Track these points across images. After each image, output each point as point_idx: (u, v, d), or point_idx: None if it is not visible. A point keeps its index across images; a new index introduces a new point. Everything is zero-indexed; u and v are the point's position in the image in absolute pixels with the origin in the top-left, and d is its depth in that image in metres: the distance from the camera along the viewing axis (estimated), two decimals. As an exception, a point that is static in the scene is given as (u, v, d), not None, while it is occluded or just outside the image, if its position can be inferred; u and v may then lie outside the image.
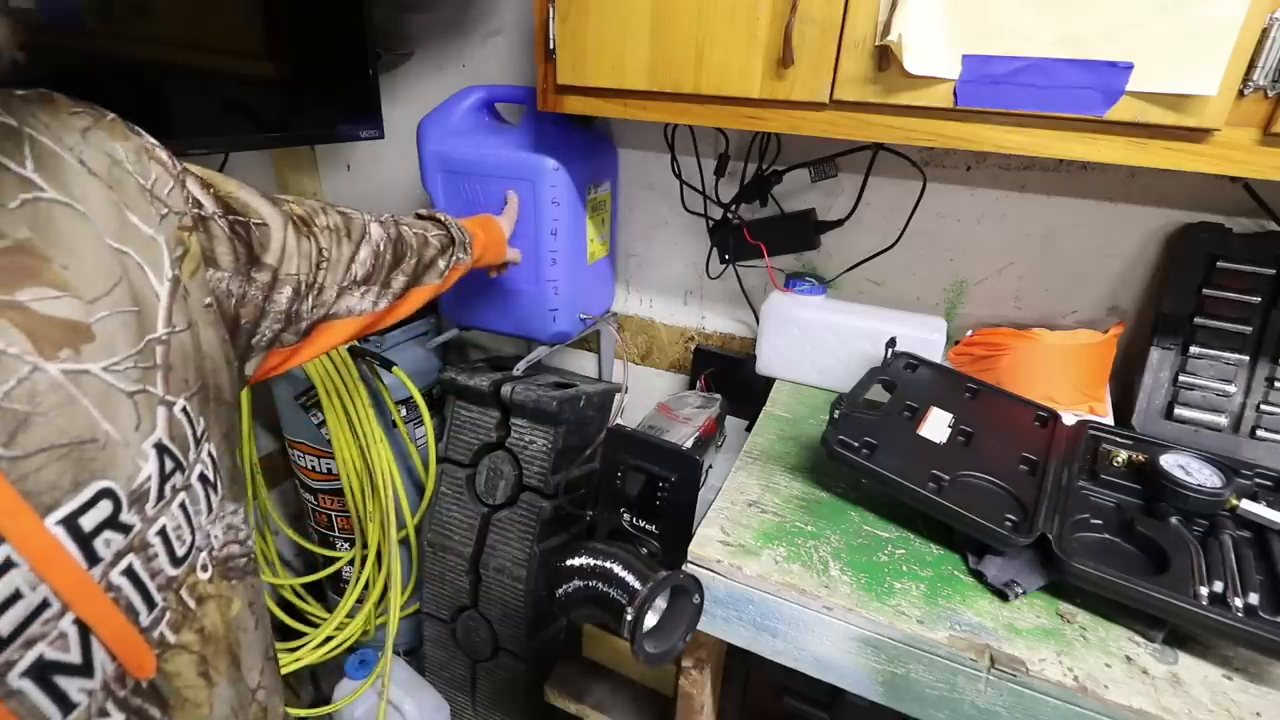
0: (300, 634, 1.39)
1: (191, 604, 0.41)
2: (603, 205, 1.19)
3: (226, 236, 0.49)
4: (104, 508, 0.35)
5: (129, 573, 0.37)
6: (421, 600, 1.34)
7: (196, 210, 0.46)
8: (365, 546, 1.31)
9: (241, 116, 1.04)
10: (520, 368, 1.21)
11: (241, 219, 0.51)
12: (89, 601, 0.34)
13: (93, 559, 0.35)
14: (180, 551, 0.40)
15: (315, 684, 1.66)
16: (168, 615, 0.40)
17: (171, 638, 0.40)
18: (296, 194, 1.55)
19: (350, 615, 1.34)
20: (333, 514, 1.41)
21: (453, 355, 1.53)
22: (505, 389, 1.17)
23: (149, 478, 0.38)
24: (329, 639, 1.33)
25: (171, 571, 0.40)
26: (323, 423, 1.25)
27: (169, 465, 0.39)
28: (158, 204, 0.43)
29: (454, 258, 0.84)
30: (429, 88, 1.35)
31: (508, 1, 1.22)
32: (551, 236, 1.08)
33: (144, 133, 0.45)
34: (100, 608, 0.35)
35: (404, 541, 1.33)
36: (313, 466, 1.37)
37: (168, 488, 0.39)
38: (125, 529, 0.36)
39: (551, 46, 0.87)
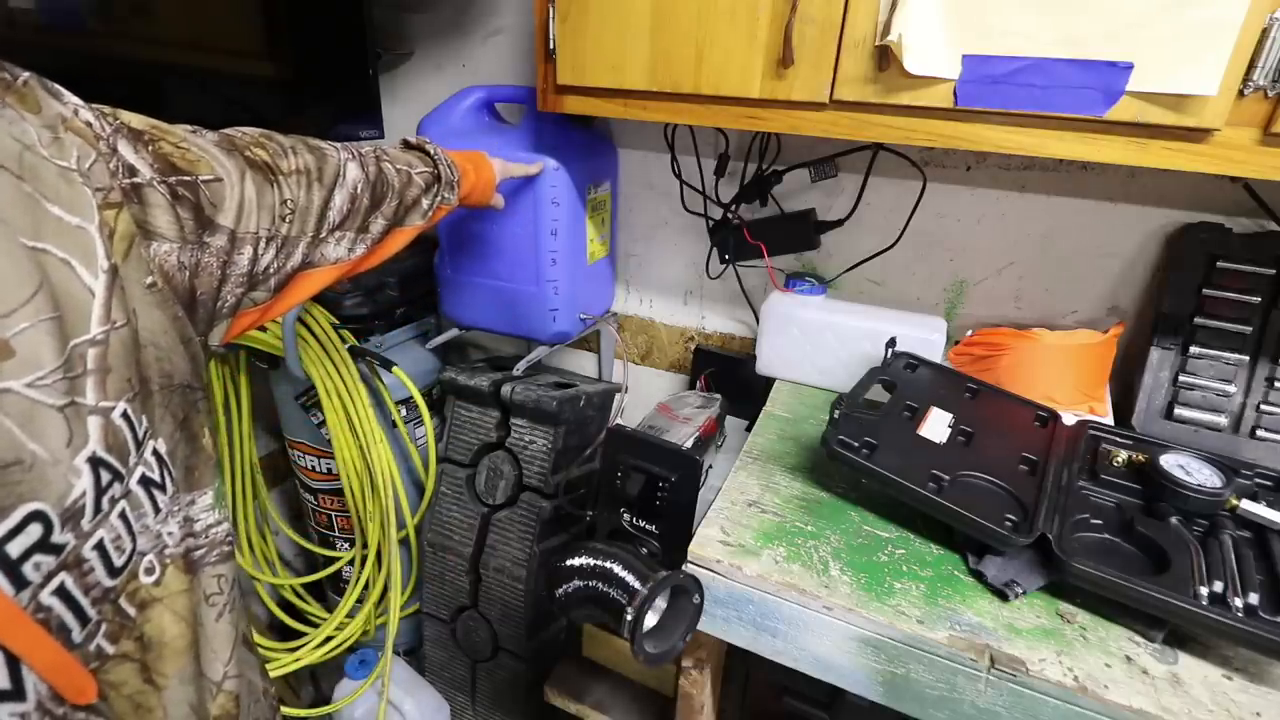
0: (300, 634, 1.39)
1: (131, 611, 0.39)
2: (603, 205, 1.19)
3: (167, 203, 0.44)
4: (33, 531, 0.33)
5: (60, 592, 0.35)
6: (421, 600, 1.34)
7: (129, 179, 0.42)
8: (365, 546, 1.31)
9: (241, 116, 1.04)
10: (520, 368, 1.21)
11: (187, 178, 0.46)
12: (15, 631, 0.33)
13: (20, 584, 0.33)
14: (119, 562, 0.38)
15: (315, 684, 1.66)
16: (104, 627, 0.38)
17: (110, 649, 0.38)
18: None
19: (350, 615, 1.33)
20: (333, 514, 1.41)
21: (453, 355, 1.53)
22: (505, 389, 1.17)
23: (83, 494, 0.35)
24: (329, 639, 1.33)
25: (108, 583, 0.38)
26: (323, 423, 1.25)
27: (106, 478, 0.37)
28: (82, 185, 0.38)
29: (439, 197, 0.78)
30: (429, 88, 1.34)
31: (508, 1, 1.22)
32: (551, 236, 1.08)
33: (64, 93, 0.40)
34: (28, 637, 0.33)
35: (404, 541, 1.33)
36: (313, 466, 1.37)
37: (105, 500, 0.37)
38: (57, 549, 0.34)
39: (551, 46, 0.87)
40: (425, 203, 0.76)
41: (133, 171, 0.43)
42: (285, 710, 1.29)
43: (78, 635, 0.36)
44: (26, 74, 0.39)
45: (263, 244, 0.53)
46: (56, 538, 0.34)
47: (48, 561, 0.34)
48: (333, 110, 1.15)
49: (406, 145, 0.80)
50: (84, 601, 0.36)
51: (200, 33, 0.96)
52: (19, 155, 0.36)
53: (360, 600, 1.34)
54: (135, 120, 0.46)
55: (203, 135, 0.51)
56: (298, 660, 1.31)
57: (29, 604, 0.34)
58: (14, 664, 0.33)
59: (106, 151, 0.41)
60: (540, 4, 0.86)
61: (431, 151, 0.79)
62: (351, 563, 1.40)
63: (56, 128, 0.39)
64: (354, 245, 0.66)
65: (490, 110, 1.16)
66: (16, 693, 0.33)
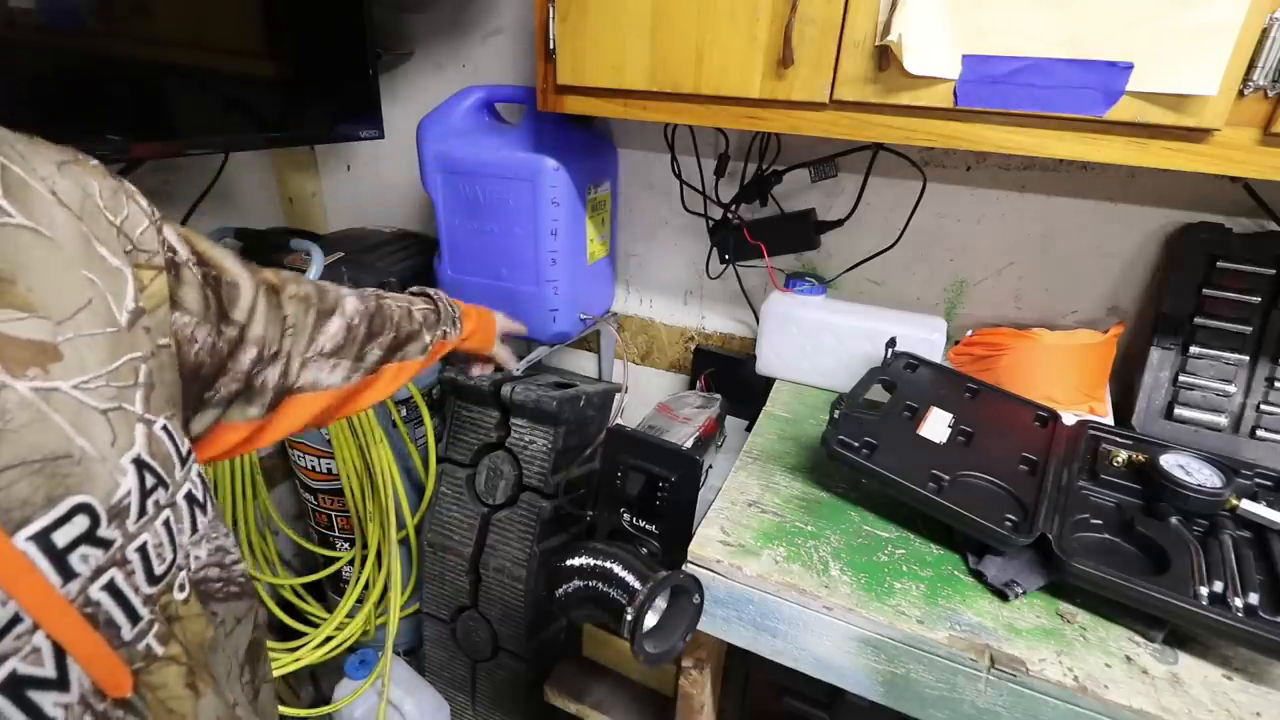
0: (300, 634, 1.39)
1: (166, 622, 0.41)
2: (603, 205, 1.19)
3: (198, 283, 0.49)
4: (80, 523, 0.35)
5: (110, 588, 0.36)
6: (421, 600, 1.34)
7: (170, 254, 0.47)
8: (365, 546, 1.31)
9: (241, 116, 1.04)
10: (520, 368, 1.21)
11: (214, 272, 0.52)
12: (58, 618, 0.34)
13: (68, 574, 0.34)
14: (159, 570, 0.40)
15: (315, 684, 1.65)
16: (155, 628, 0.39)
17: (159, 650, 0.39)
18: (296, 194, 1.55)
19: (350, 615, 1.33)
20: (333, 514, 1.41)
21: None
22: (505, 389, 1.17)
23: (129, 493, 0.38)
24: (329, 639, 1.33)
25: (147, 590, 0.39)
26: (323, 423, 1.25)
27: (150, 481, 0.39)
28: (125, 240, 0.43)
29: (441, 332, 0.81)
30: (429, 88, 1.35)
31: (508, 1, 1.22)
32: (551, 236, 1.08)
33: (127, 181, 0.46)
34: (70, 625, 0.34)
35: (404, 541, 1.33)
36: (313, 466, 1.37)
37: (149, 503, 0.39)
38: (105, 544, 0.36)
39: (551, 46, 0.87)
40: (427, 337, 0.79)
41: (174, 250, 0.48)
42: (286, 710, 1.29)
43: (128, 633, 0.37)
44: (96, 160, 0.45)
45: (266, 352, 0.57)
46: (103, 532, 0.36)
47: (96, 554, 0.35)
48: (333, 110, 1.15)
49: (411, 292, 0.84)
50: (135, 600, 0.38)
51: (200, 32, 0.96)
52: (80, 200, 0.41)
53: (360, 600, 1.34)
54: (171, 222, 0.50)
55: (222, 250, 0.55)
56: (298, 660, 1.30)
57: (77, 596, 0.35)
58: (60, 655, 0.34)
59: (155, 225, 0.46)
60: (540, 4, 0.86)
61: (433, 293, 0.84)
62: (351, 563, 1.40)
63: (118, 193, 0.44)
64: (349, 374, 0.68)
65: (490, 110, 1.16)
66: (61, 682, 0.34)
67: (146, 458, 0.39)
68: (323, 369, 0.64)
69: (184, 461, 0.43)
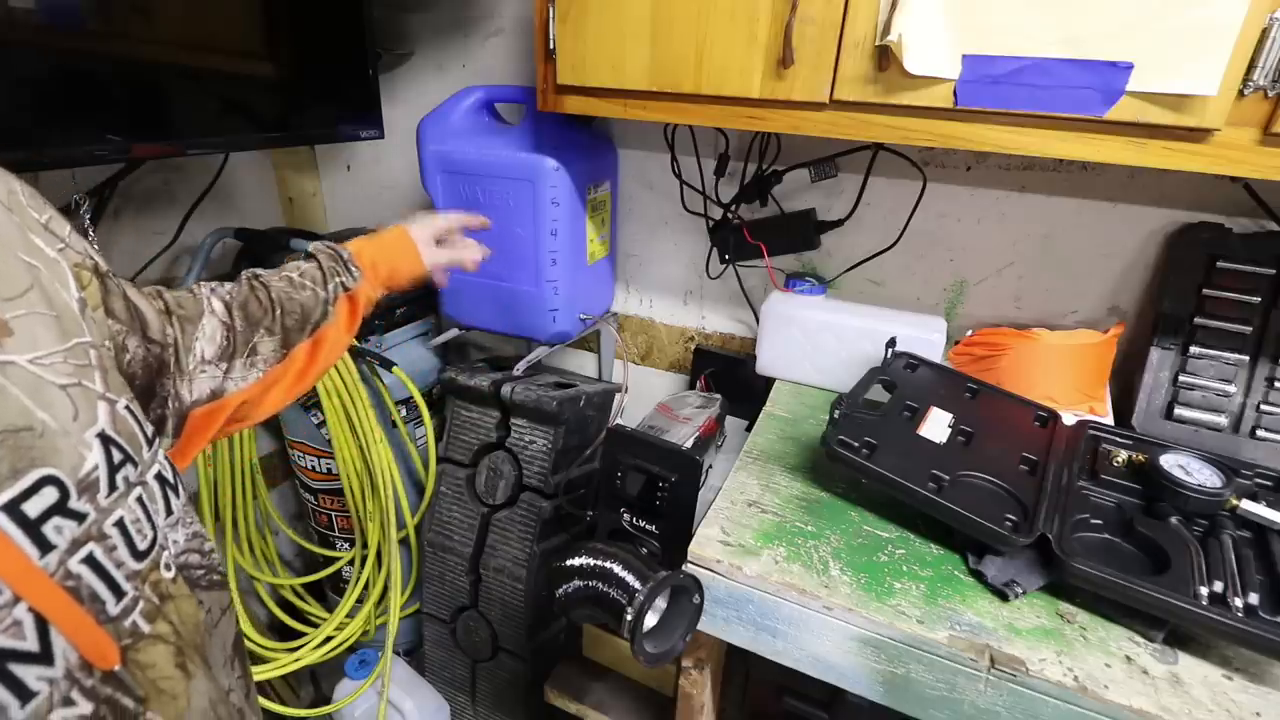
0: (300, 634, 1.39)
1: (155, 600, 0.41)
2: (603, 205, 1.19)
3: (121, 294, 0.50)
4: (49, 494, 0.35)
5: (90, 561, 0.36)
6: (421, 600, 1.34)
7: (94, 261, 0.47)
8: (365, 546, 1.31)
9: (241, 116, 1.04)
10: (520, 368, 1.21)
11: (123, 289, 0.51)
12: (38, 588, 0.34)
13: (44, 546, 0.34)
14: (141, 545, 0.40)
15: (315, 684, 1.66)
16: (140, 604, 0.39)
17: (145, 627, 0.39)
18: (296, 195, 1.55)
19: (350, 615, 1.33)
20: (333, 514, 1.41)
21: (453, 355, 1.53)
22: (505, 389, 1.17)
23: (95, 467, 0.38)
24: (329, 639, 1.33)
25: (134, 565, 0.39)
26: (323, 423, 1.25)
27: (117, 456, 0.39)
28: (54, 237, 0.44)
29: (336, 285, 0.72)
30: (429, 88, 1.35)
31: (508, 1, 1.22)
32: (551, 236, 1.08)
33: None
34: (51, 596, 0.34)
35: (404, 541, 1.33)
36: (313, 466, 1.37)
37: (119, 479, 0.39)
38: (78, 517, 0.36)
39: (551, 46, 0.87)
40: (323, 294, 0.70)
41: (94, 259, 0.48)
42: (286, 710, 1.29)
43: (113, 607, 0.38)
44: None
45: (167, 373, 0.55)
46: (74, 504, 0.36)
47: (70, 526, 0.36)
48: (333, 110, 1.15)
49: (305, 255, 0.75)
50: (117, 575, 0.38)
51: (200, 33, 0.96)
52: (6, 195, 0.42)
53: (360, 600, 1.34)
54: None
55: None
56: (298, 660, 1.30)
57: (56, 569, 0.35)
58: (43, 624, 0.34)
59: (78, 233, 0.47)
60: (540, 4, 0.86)
61: (311, 248, 0.75)
62: (351, 563, 1.40)
63: (37, 197, 0.45)
64: (247, 372, 0.63)
65: (490, 110, 1.16)
66: (44, 655, 0.34)
67: (111, 433, 0.39)
68: (214, 377, 0.59)
69: (150, 443, 0.43)
